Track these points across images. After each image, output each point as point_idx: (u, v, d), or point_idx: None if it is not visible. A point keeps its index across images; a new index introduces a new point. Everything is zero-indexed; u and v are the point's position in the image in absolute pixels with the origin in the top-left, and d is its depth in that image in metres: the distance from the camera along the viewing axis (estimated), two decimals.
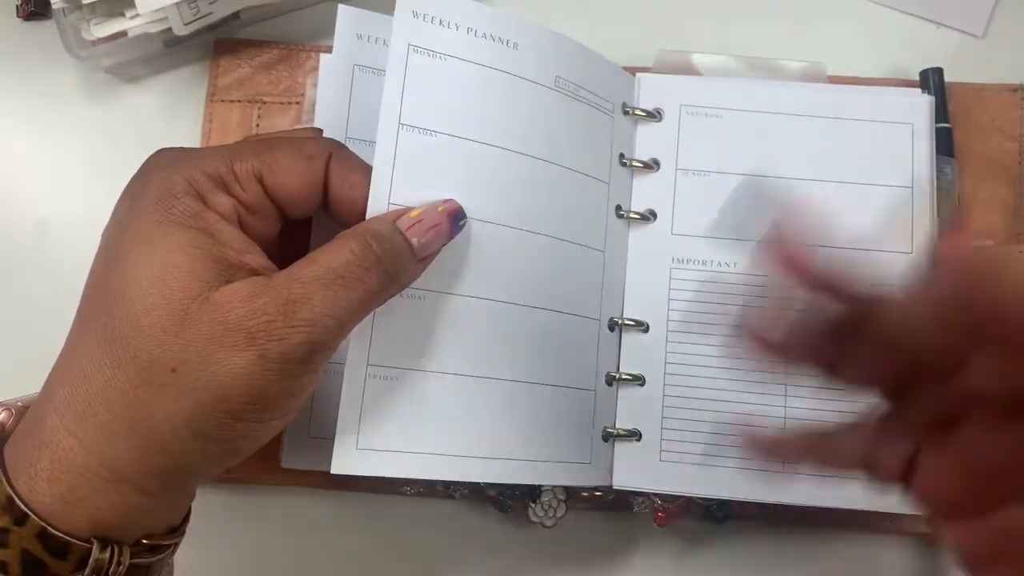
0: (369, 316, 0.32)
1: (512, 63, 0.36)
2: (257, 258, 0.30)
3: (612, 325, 0.39)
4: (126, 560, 0.28)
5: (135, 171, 0.32)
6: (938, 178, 0.41)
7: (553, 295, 0.37)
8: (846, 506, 0.38)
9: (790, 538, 0.42)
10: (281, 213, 0.32)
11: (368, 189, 0.32)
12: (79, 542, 0.27)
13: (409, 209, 0.32)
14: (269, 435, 0.30)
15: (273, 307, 0.28)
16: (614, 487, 0.39)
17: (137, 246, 0.29)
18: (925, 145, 0.41)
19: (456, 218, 0.33)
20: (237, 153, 0.31)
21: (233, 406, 0.28)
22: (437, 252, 0.33)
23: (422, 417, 0.34)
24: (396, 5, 0.35)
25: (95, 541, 0.28)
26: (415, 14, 0.35)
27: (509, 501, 0.41)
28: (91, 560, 0.27)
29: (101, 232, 0.32)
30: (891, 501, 0.37)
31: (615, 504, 0.41)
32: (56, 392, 0.28)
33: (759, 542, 0.42)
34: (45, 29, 0.46)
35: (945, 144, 0.42)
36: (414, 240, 0.31)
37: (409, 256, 0.31)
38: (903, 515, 0.38)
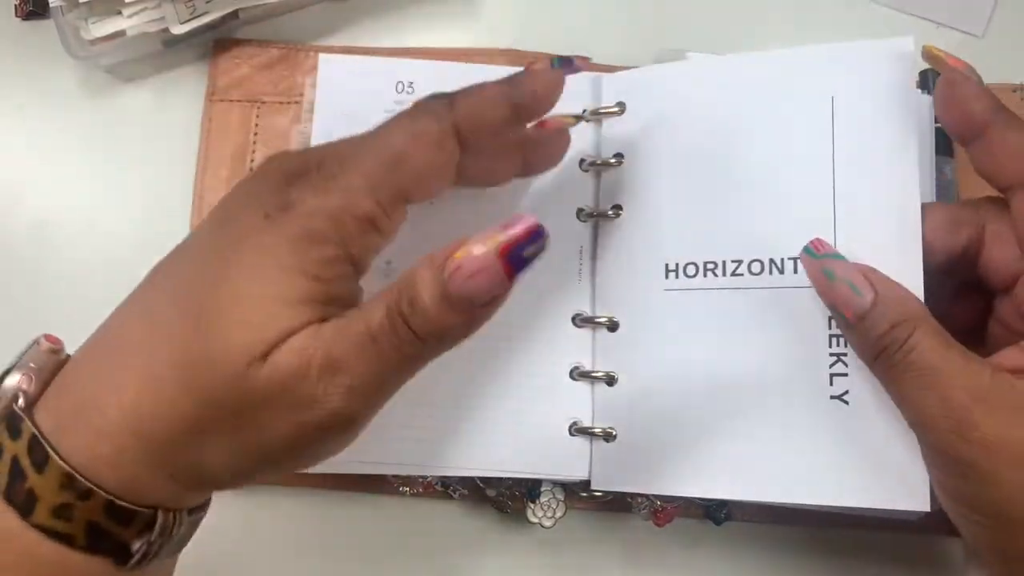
0: None
1: None
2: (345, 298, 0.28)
3: (578, 321, 0.39)
4: (185, 518, 0.29)
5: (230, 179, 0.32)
6: (937, 178, 0.41)
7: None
8: (839, 503, 0.37)
9: (790, 538, 0.42)
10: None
11: (507, 122, 0.31)
12: (144, 509, 0.28)
13: (458, 244, 0.26)
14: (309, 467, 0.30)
15: (317, 366, 0.26)
16: (592, 488, 0.39)
17: (247, 281, 0.27)
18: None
19: (516, 254, 0.26)
20: (376, 178, 0.28)
21: (274, 459, 0.28)
22: (494, 303, 0.27)
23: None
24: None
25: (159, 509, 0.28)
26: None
27: (508, 501, 0.41)
28: (157, 526, 0.28)
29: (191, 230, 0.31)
30: (889, 499, 0.37)
31: (614, 504, 0.41)
32: (122, 383, 0.27)
33: (759, 542, 0.42)
34: (44, 28, 0.46)
35: (944, 144, 0.42)
36: (452, 291, 0.26)
37: (443, 313, 0.26)
38: (904, 514, 0.38)
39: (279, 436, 0.27)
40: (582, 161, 0.41)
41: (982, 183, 0.43)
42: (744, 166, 0.38)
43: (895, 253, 0.35)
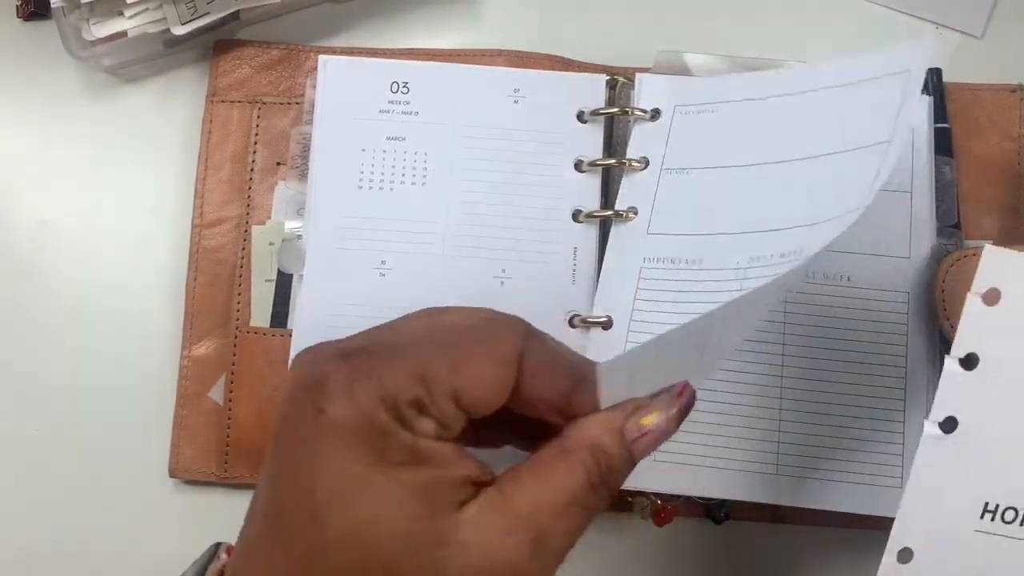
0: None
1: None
2: (469, 464, 0.28)
3: (576, 322, 0.40)
4: None
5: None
6: (937, 179, 0.41)
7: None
8: (844, 509, 0.38)
9: (790, 538, 0.42)
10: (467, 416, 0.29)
11: (568, 387, 0.29)
12: None
13: (638, 410, 0.29)
14: None
15: (525, 549, 0.27)
16: None
17: (352, 492, 0.26)
18: (924, 139, 0.41)
19: (683, 413, 0.29)
20: (429, 368, 0.27)
21: None
22: None
23: None
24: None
25: None
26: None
27: None
28: None
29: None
30: (890, 506, 0.38)
31: (614, 504, 0.41)
32: None
33: (759, 542, 0.42)
34: (45, 29, 0.46)
35: (944, 144, 0.42)
36: (636, 454, 0.29)
37: (629, 470, 0.29)
38: None
39: None
40: (579, 163, 0.41)
41: (981, 184, 0.43)
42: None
43: None
